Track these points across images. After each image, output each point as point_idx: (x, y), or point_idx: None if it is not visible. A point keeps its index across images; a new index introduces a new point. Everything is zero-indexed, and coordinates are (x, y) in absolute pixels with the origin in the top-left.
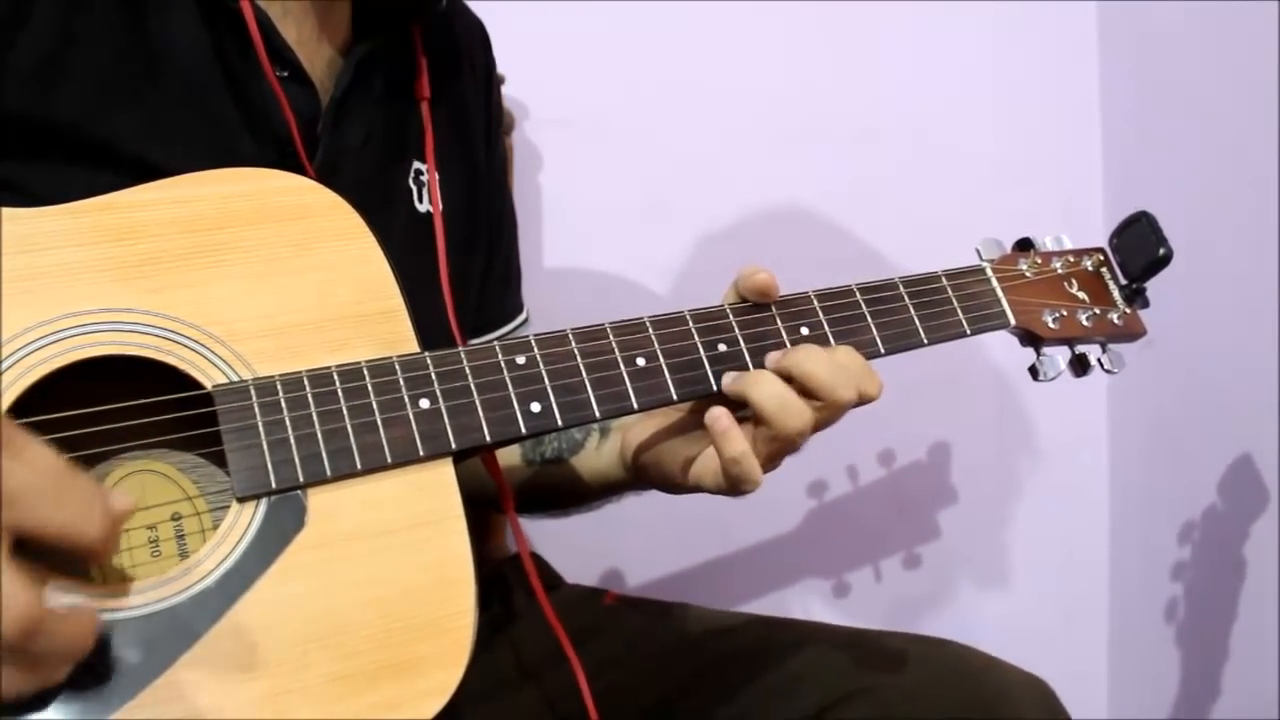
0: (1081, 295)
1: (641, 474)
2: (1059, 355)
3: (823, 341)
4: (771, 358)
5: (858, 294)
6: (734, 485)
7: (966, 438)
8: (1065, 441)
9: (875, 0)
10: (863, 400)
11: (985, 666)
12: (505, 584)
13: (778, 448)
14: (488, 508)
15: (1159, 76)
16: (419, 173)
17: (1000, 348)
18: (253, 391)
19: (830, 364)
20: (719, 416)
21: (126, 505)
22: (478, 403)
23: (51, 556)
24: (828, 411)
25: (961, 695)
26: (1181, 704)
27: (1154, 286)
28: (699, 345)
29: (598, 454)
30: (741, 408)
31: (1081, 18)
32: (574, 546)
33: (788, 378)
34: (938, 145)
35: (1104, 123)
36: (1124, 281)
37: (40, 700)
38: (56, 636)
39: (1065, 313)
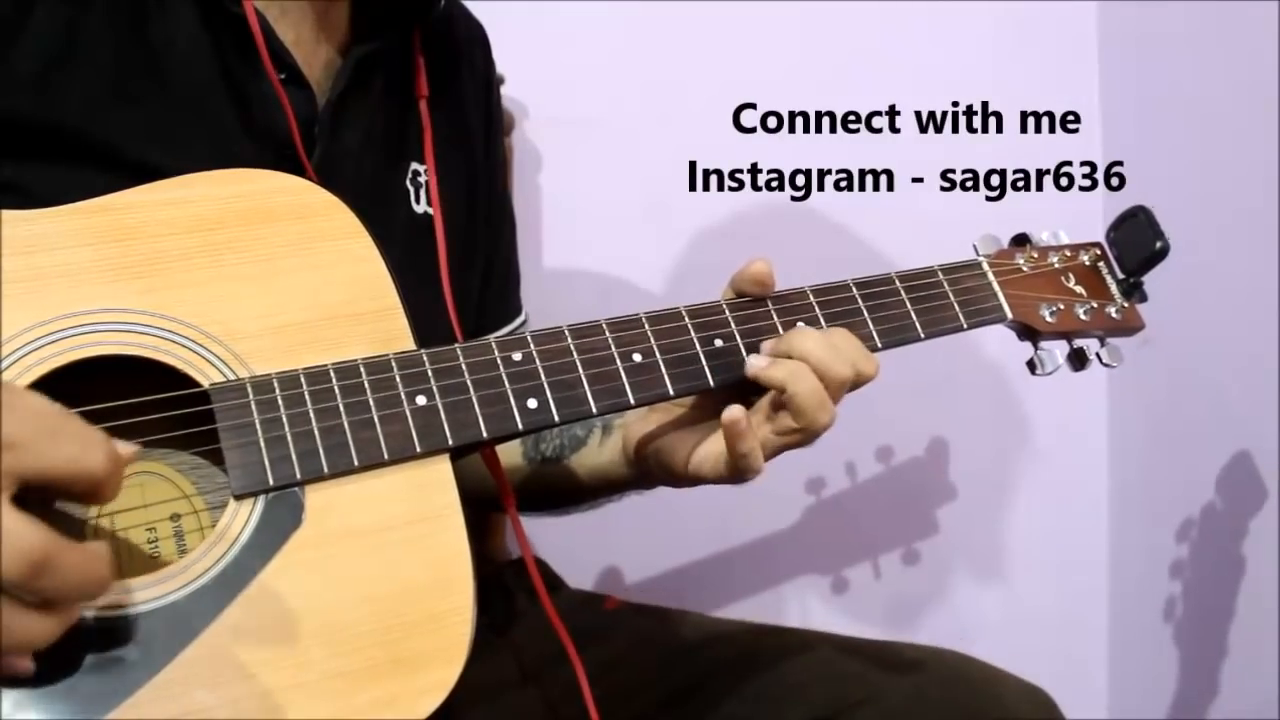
0: (1079, 289)
1: (644, 468)
2: (1057, 349)
3: None
4: (766, 346)
5: (854, 289)
6: (737, 476)
7: (966, 435)
8: (1065, 439)
9: (876, 0)
10: (861, 379)
11: (985, 677)
12: (506, 587)
13: (796, 440)
14: (488, 508)
15: (1159, 76)
16: (417, 174)
17: (999, 345)
18: (249, 390)
19: (824, 342)
20: (738, 419)
21: (129, 449)
22: (474, 399)
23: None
24: (831, 389)
25: (961, 705)
26: (1181, 703)
27: (1154, 285)
28: (695, 340)
29: (600, 451)
30: (749, 392)
31: (1081, 18)
32: (574, 547)
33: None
34: (938, 145)
35: (1104, 123)
36: (1121, 275)
37: (40, 695)
38: (71, 570)
39: (1062, 307)
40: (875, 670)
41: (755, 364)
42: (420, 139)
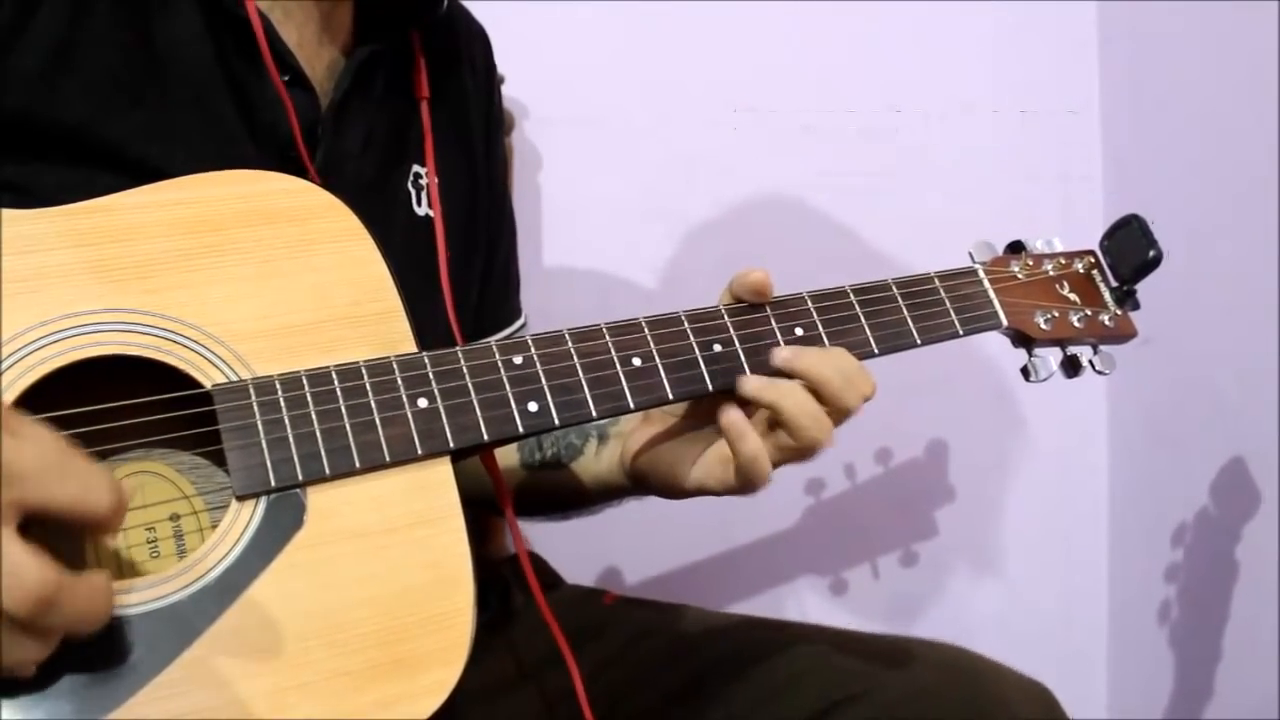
0: (1073, 297)
1: (640, 480)
2: (1051, 356)
3: (817, 342)
4: (781, 356)
5: (851, 295)
6: (745, 484)
7: (965, 437)
8: (1064, 441)
9: (876, 0)
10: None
11: (984, 670)
12: (504, 584)
13: (791, 455)
14: (486, 510)
15: (1159, 76)
16: (418, 176)
17: (998, 347)
18: (252, 391)
19: (839, 371)
20: (735, 420)
21: (127, 486)
22: (475, 402)
23: (56, 540)
24: (835, 417)
25: (960, 699)
26: (1180, 703)
27: (1153, 286)
28: (694, 345)
29: (596, 460)
30: (744, 405)
31: (1081, 18)
32: (573, 546)
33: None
34: (938, 145)
35: (1104, 123)
36: (1115, 284)
37: (40, 696)
38: (75, 606)
39: (1057, 314)
40: (874, 663)
41: (749, 387)
42: (422, 141)
